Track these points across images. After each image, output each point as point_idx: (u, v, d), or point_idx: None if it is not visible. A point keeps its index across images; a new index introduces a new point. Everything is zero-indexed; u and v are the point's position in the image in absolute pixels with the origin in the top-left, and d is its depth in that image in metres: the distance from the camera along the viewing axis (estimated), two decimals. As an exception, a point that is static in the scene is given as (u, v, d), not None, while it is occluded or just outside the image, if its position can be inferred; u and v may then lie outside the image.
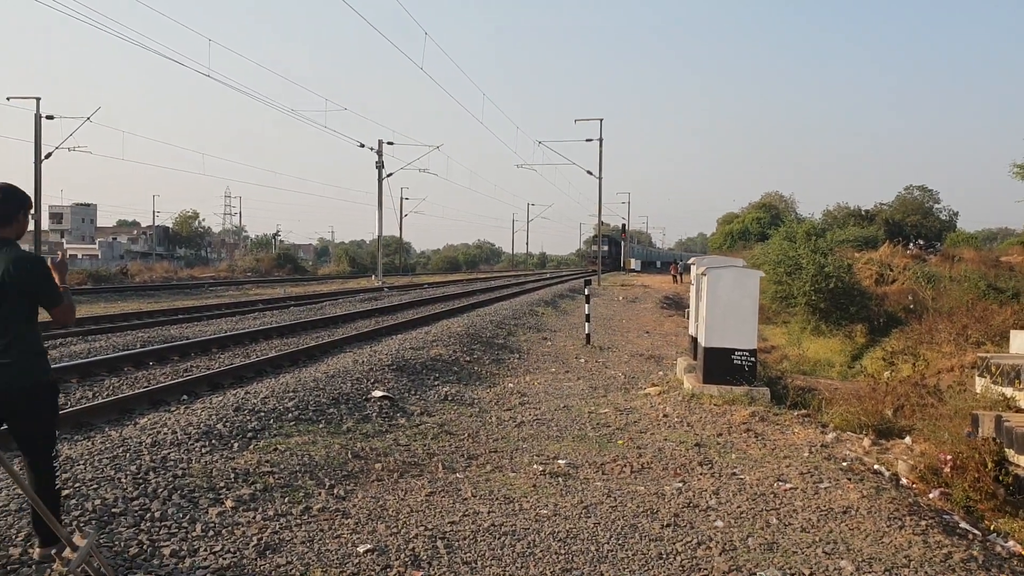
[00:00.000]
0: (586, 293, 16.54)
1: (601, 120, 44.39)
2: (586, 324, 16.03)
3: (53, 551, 3.86)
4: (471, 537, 4.84)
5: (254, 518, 4.96)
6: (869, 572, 4.40)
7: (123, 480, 5.25)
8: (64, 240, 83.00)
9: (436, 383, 10.30)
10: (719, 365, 9.54)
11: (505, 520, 5.17)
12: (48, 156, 35.36)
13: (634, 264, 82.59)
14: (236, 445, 6.43)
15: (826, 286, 21.64)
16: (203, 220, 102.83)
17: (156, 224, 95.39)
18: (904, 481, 6.39)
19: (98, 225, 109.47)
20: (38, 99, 34.88)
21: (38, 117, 34.87)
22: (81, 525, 4.49)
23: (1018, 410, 7.25)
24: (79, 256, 72.12)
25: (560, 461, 6.70)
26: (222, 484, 5.47)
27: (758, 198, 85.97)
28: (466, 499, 5.61)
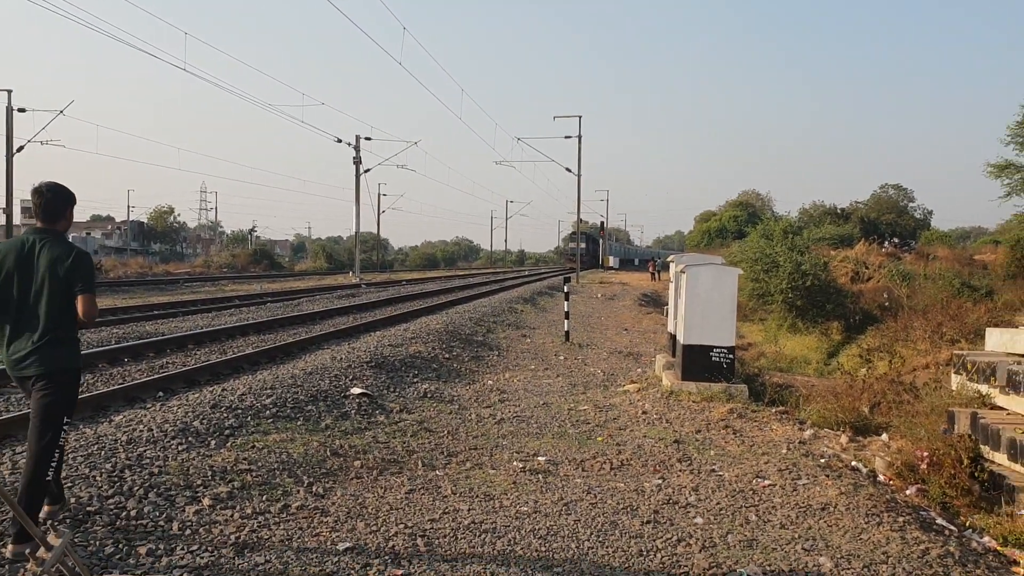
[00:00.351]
0: (565, 290, 16.55)
1: (580, 117, 44.17)
2: (565, 321, 16.04)
3: (27, 550, 3.78)
4: (451, 535, 4.82)
5: (232, 516, 4.90)
6: (848, 568, 4.43)
7: (98, 478, 5.18)
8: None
9: (415, 380, 10.26)
10: (698, 362, 9.58)
11: (485, 517, 5.15)
12: (20, 149, 34.94)
13: (612, 261, 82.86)
14: (213, 443, 6.36)
15: (803, 284, 21.85)
16: (178, 215, 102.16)
17: (131, 219, 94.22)
18: (881, 478, 6.45)
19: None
20: (10, 91, 34.41)
21: (10, 110, 34.37)
22: (55, 524, 4.41)
23: (993, 407, 7.34)
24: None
25: (540, 458, 6.70)
26: (199, 482, 5.41)
27: (735, 196, 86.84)
28: (446, 496, 5.59)
